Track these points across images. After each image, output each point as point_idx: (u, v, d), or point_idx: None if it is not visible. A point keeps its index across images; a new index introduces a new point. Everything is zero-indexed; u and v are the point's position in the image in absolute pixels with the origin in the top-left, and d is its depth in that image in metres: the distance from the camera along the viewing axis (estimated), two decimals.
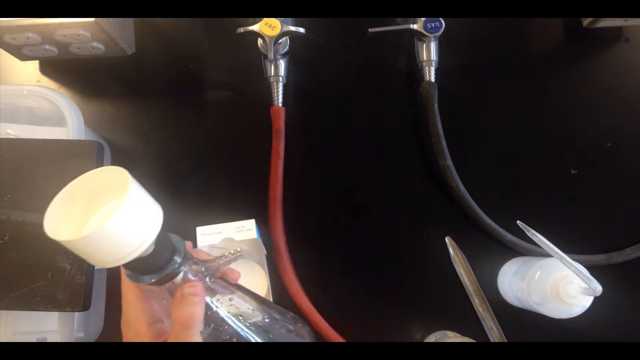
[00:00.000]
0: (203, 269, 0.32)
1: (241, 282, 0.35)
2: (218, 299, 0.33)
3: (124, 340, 0.32)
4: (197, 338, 0.30)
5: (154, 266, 0.29)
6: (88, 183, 0.28)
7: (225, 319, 0.33)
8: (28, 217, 0.42)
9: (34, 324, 0.51)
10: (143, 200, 0.27)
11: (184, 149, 0.58)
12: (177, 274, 0.30)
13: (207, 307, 0.32)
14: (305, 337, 0.37)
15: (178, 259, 0.30)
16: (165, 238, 0.30)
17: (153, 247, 0.28)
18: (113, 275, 0.55)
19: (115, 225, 0.25)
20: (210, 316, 0.32)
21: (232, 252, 0.34)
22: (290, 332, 0.36)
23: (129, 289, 0.32)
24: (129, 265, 0.29)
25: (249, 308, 0.34)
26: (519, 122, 0.58)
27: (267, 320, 0.35)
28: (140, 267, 0.29)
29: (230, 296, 0.34)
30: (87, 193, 0.28)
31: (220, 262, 0.33)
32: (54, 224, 0.27)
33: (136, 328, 0.31)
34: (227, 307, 0.33)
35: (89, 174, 0.28)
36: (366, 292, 0.55)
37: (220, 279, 0.34)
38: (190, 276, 0.31)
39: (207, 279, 0.32)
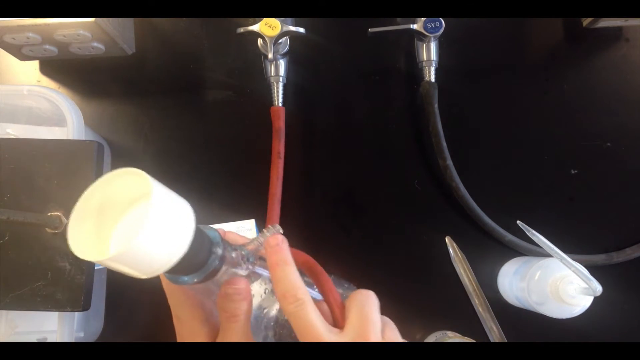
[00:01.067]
0: (244, 253, 0.30)
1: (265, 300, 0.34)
2: (265, 281, 0.31)
3: (179, 339, 0.31)
4: (246, 330, 0.29)
5: (195, 265, 0.27)
6: (105, 190, 0.25)
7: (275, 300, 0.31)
8: (28, 217, 0.42)
9: (34, 324, 0.51)
10: (170, 203, 0.24)
11: (184, 149, 0.58)
12: (219, 269, 0.28)
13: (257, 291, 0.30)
14: None
15: (219, 251, 0.28)
16: (200, 233, 0.28)
17: (189, 246, 0.26)
18: (113, 275, 0.56)
19: (145, 239, 0.22)
20: (263, 300, 0.31)
21: (266, 230, 0.31)
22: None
23: (173, 290, 0.31)
24: (168, 270, 0.26)
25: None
26: (519, 122, 0.58)
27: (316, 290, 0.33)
28: (180, 269, 0.27)
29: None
30: (106, 201, 0.25)
31: (259, 243, 0.31)
32: (79, 241, 0.24)
33: (191, 326, 0.30)
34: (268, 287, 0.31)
35: (104, 179, 0.25)
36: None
37: (261, 259, 0.32)
38: (231, 268, 0.29)
39: (250, 265, 0.30)
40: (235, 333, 0.29)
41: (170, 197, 0.25)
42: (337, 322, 0.30)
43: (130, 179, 0.25)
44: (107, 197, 0.25)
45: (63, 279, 0.44)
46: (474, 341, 0.49)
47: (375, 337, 0.29)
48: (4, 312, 0.51)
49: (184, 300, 0.30)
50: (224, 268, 0.29)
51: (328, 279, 0.33)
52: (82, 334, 0.49)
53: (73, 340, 0.46)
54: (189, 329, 0.30)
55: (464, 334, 0.50)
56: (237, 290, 0.29)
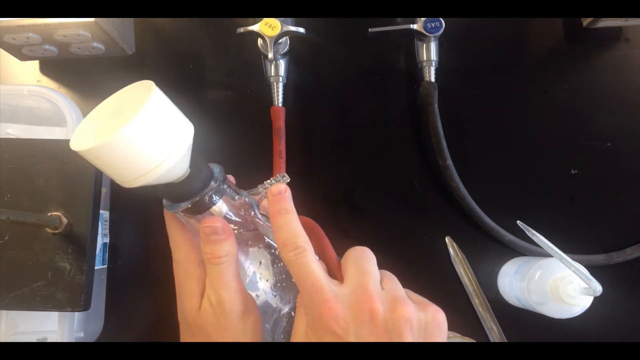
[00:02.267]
0: (245, 200, 0.30)
1: (260, 257, 0.34)
2: (262, 238, 0.30)
3: (176, 281, 0.30)
4: (231, 274, 0.29)
5: (188, 192, 0.27)
6: (117, 100, 0.26)
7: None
8: (28, 217, 0.42)
9: (34, 324, 0.51)
10: (168, 111, 0.25)
11: None
12: (213, 202, 0.28)
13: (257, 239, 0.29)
14: None
15: (214, 185, 0.28)
16: (201, 163, 0.28)
17: (188, 171, 0.26)
18: (113, 275, 0.56)
19: (133, 131, 0.23)
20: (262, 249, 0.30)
21: (275, 177, 0.31)
22: None
23: (174, 229, 0.31)
24: (163, 191, 0.27)
25: None
26: (519, 122, 0.58)
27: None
28: (173, 193, 0.27)
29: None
30: (115, 110, 0.26)
31: (264, 192, 0.31)
32: (79, 138, 0.25)
33: (186, 266, 0.30)
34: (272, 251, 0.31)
35: (119, 92, 0.26)
36: None
37: (267, 216, 0.32)
38: (231, 212, 0.29)
39: (252, 213, 0.30)
40: (218, 276, 0.28)
41: (171, 108, 0.25)
42: (335, 279, 0.30)
43: (140, 89, 0.25)
44: (118, 108, 0.26)
45: (63, 279, 0.44)
46: (474, 341, 0.49)
47: (373, 287, 0.28)
48: (4, 312, 0.51)
49: (181, 242, 0.30)
50: (222, 207, 0.28)
51: (326, 239, 0.33)
52: (82, 334, 0.49)
53: (73, 340, 0.46)
54: (182, 270, 0.30)
55: (464, 334, 0.50)
56: (213, 230, 0.28)
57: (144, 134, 0.23)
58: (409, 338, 0.27)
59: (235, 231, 0.30)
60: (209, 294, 0.29)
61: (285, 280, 0.32)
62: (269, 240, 0.32)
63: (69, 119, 0.49)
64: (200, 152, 0.26)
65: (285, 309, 0.32)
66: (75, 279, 0.44)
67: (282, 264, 0.31)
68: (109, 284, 0.55)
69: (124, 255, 0.56)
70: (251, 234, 0.31)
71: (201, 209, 0.28)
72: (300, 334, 0.28)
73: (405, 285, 0.55)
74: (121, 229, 0.56)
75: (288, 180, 0.31)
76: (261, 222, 0.31)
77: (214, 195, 0.28)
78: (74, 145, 0.24)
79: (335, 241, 0.56)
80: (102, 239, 0.53)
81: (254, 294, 0.31)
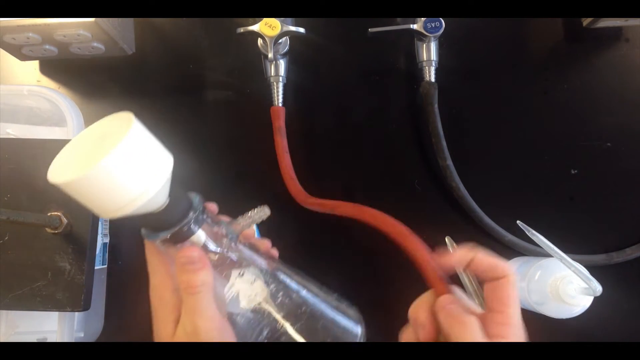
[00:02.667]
0: (225, 231, 0.30)
1: (241, 282, 0.34)
2: (244, 266, 0.31)
3: (152, 308, 0.31)
4: (206, 304, 0.29)
5: (166, 222, 0.28)
6: (96, 132, 0.26)
7: (251, 289, 0.31)
8: (28, 217, 0.42)
9: (34, 324, 0.51)
10: (147, 142, 0.25)
11: (184, 149, 0.58)
12: (192, 232, 0.28)
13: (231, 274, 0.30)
14: (353, 317, 0.34)
15: (192, 215, 0.28)
16: (180, 194, 0.28)
17: (167, 201, 0.26)
18: (113, 275, 0.56)
19: (113, 163, 0.23)
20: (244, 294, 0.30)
21: (256, 210, 0.32)
22: (335, 310, 0.33)
23: (152, 254, 0.31)
24: (142, 221, 0.27)
25: (285, 280, 0.32)
26: (519, 122, 0.58)
27: (304, 293, 0.32)
28: (152, 223, 0.28)
29: (258, 262, 0.31)
30: (94, 142, 0.26)
31: (244, 223, 0.31)
32: (58, 170, 0.25)
33: (160, 293, 0.30)
34: (254, 275, 0.31)
35: (97, 123, 0.26)
36: (366, 292, 0.55)
37: (248, 245, 0.32)
38: (209, 242, 0.29)
39: (232, 244, 0.30)
40: (194, 304, 0.29)
41: (151, 140, 0.26)
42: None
43: (120, 122, 0.26)
44: (98, 139, 0.26)
45: (63, 279, 0.44)
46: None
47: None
48: (4, 312, 0.51)
49: (157, 268, 0.31)
50: (200, 237, 0.28)
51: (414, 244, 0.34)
52: (82, 334, 0.49)
53: (73, 340, 0.46)
54: (158, 297, 0.30)
55: None
56: (190, 259, 0.29)
57: (123, 166, 0.24)
58: None
59: (214, 258, 0.30)
60: (184, 322, 0.29)
61: (266, 299, 0.32)
62: (249, 264, 0.32)
63: (69, 119, 0.49)
64: (179, 182, 0.27)
65: (266, 330, 0.31)
66: (75, 279, 0.44)
67: (261, 282, 0.31)
68: (109, 284, 0.55)
69: (124, 255, 0.56)
70: (230, 260, 0.31)
71: (179, 239, 0.28)
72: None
73: (405, 284, 0.55)
74: (121, 229, 0.56)
75: (268, 214, 0.31)
76: (240, 250, 0.31)
77: (192, 226, 0.28)
78: (52, 178, 0.24)
79: (335, 241, 0.56)
80: (102, 239, 0.53)
81: (235, 315, 0.31)
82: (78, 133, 0.48)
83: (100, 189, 0.24)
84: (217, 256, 0.30)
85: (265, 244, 0.34)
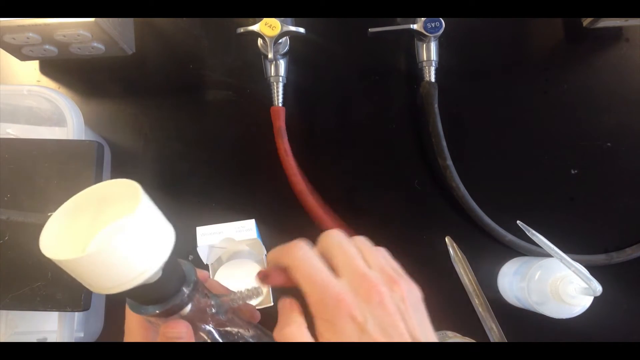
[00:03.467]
0: (212, 303, 0.29)
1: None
2: (226, 336, 0.30)
3: None
4: None
5: (159, 296, 0.26)
6: (94, 196, 0.24)
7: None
8: (28, 217, 0.42)
9: (34, 324, 0.51)
10: (154, 219, 0.23)
11: (184, 149, 0.58)
12: (182, 307, 0.27)
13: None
14: None
15: (186, 291, 0.27)
16: (176, 265, 0.26)
17: (160, 273, 0.24)
18: None
19: (116, 243, 0.21)
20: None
21: (249, 288, 0.30)
22: None
23: (131, 315, 0.29)
24: (131, 294, 0.25)
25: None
26: (519, 122, 0.58)
27: None
28: (143, 296, 0.26)
29: (239, 334, 0.30)
30: (92, 208, 0.24)
31: (234, 298, 0.30)
32: (52, 241, 0.23)
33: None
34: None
35: (96, 186, 0.24)
36: None
37: (235, 315, 0.31)
38: (195, 316, 0.28)
39: (219, 315, 0.29)
40: None
41: (157, 215, 0.24)
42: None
43: (123, 189, 0.24)
44: (96, 205, 0.24)
45: (63, 279, 0.44)
46: (474, 341, 0.49)
47: (366, 270, 0.28)
48: (4, 312, 0.51)
49: (135, 329, 0.29)
50: (188, 308, 0.27)
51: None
52: (82, 334, 0.49)
53: (73, 340, 0.46)
54: None
55: (464, 334, 0.50)
56: (178, 335, 0.27)
57: (129, 244, 0.22)
58: (411, 314, 0.28)
59: (195, 322, 0.29)
60: None
61: None
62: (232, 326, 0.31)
63: (69, 119, 0.49)
64: (173, 251, 0.25)
65: None
66: (75, 279, 0.44)
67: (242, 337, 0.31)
68: None
69: None
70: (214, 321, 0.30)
71: (169, 314, 0.27)
72: (296, 334, 0.27)
73: None
74: None
75: (262, 295, 0.30)
76: (222, 321, 0.30)
77: (184, 298, 0.27)
78: (47, 251, 0.22)
79: None
80: None
81: None
82: (78, 133, 0.48)
83: (99, 268, 0.22)
84: (201, 321, 0.29)
85: (255, 316, 0.33)
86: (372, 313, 0.27)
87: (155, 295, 0.26)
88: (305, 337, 0.27)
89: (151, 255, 0.23)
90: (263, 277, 0.30)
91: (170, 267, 0.25)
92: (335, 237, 0.30)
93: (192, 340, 0.28)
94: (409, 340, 0.27)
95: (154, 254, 0.23)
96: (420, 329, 0.28)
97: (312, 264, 0.29)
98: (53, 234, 0.23)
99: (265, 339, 0.31)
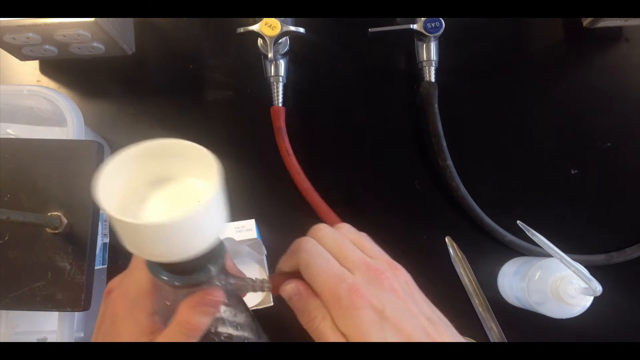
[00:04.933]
0: (228, 283, 0.29)
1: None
2: (225, 310, 0.30)
3: (109, 311, 0.29)
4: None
5: (185, 269, 0.26)
6: (156, 156, 0.24)
7: (224, 327, 0.30)
8: (28, 217, 0.42)
9: (34, 324, 0.51)
10: (222, 199, 0.24)
11: None
12: (203, 283, 0.27)
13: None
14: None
15: (213, 269, 0.26)
16: (218, 242, 0.26)
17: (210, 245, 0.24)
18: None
19: (198, 218, 0.22)
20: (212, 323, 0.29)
21: (260, 279, 0.30)
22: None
23: (144, 273, 0.28)
24: (166, 266, 0.25)
25: (243, 322, 0.31)
26: (519, 122, 0.58)
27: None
28: (174, 266, 0.25)
29: (235, 312, 0.30)
30: (156, 166, 0.24)
31: (246, 285, 0.30)
32: (109, 192, 0.22)
33: (135, 314, 0.28)
34: (228, 318, 0.30)
35: (155, 143, 0.24)
36: None
37: (238, 298, 0.31)
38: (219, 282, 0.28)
39: (227, 296, 0.29)
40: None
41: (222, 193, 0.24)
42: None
43: (195, 154, 0.24)
44: (161, 164, 0.25)
45: (63, 279, 0.44)
46: (474, 341, 0.49)
47: (368, 260, 0.30)
48: (4, 312, 0.51)
49: (145, 285, 0.28)
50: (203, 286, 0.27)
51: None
52: (82, 334, 0.49)
53: (73, 340, 0.46)
54: (133, 317, 0.28)
55: (464, 334, 0.50)
56: (213, 303, 0.27)
57: (206, 219, 0.22)
58: (417, 295, 0.30)
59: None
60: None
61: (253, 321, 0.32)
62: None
63: (69, 119, 0.49)
64: None
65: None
66: (75, 279, 0.44)
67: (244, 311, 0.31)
68: None
69: (124, 255, 0.56)
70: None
71: (190, 287, 0.27)
72: (328, 333, 0.28)
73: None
74: None
75: (269, 289, 0.31)
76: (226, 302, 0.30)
77: (208, 275, 0.27)
78: (111, 210, 0.21)
79: None
80: (102, 239, 0.53)
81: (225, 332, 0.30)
82: (78, 133, 0.48)
83: (166, 237, 0.22)
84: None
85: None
86: (386, 299, 0.28)
87: (186, 267, 0.26)
88: (334, 332, 0.28)
89: (215, 231, 0.24)
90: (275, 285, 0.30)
91: (217, 242, 0.25)
92: (326, 231, 0.31)
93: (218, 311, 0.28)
94: (423, 320, 0.28)
95: (218, 229, 0.24)
96: (428, 308, 0.30)
97: (322, 260, 0.29)
98: (110, 183, 0.22)
99: (254, 326, 0.31)
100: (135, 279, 0.29)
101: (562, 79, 0.59)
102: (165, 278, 0.26)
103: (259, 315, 0.32)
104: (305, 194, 0.55)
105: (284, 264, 0.31)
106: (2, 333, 0.51)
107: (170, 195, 0.25)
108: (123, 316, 0.28)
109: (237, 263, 0.54)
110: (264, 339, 0.32)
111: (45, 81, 0.60)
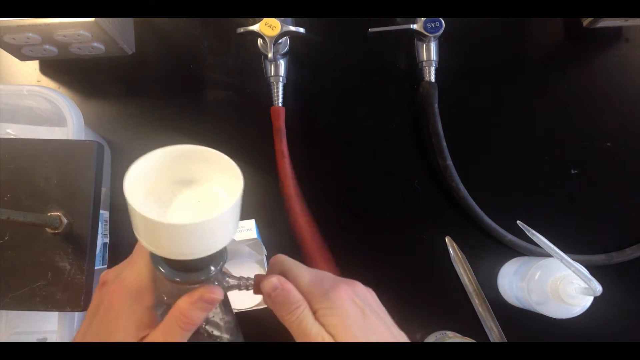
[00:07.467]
0: (225, 282, 0.30)
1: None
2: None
3: (105, 304, 0.29)
4: (185, 340, 0.28)
5: (190, 267, 0.27)
6: (191, 156, 0.26)
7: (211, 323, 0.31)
8: (28, 217, 0.42)
9: (34, 324, 0.51)
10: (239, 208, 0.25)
11: None
12: (203, 282, 0.28)
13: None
14: None
15: (213, 269, 0.27)
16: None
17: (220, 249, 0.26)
18: None
19: (218, 221, 0.23)
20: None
21: (251, 278, 0.32)
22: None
23: (145, 268, 0.29)
24: (172, 260, 0.26)
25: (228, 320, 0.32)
26: (519, 122, 0.58)
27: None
28: (178, 263, 0.26)
29: (220, 316, 0.31)
30: (182, 168, 0.26)
31: (241, 284, 0.31)
32: (134, 191, 0.23)
33: (134, 308, 0.28)
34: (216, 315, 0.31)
35: (182, 149, 0.25)
36: None
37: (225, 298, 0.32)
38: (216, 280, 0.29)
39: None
40: (180, 339, 0.28)
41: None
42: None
43: (218, 161, 0.26)
44: (187, 168, 0.26)
45: (63, 279, 0.44)
46: (474, 341, 0.49)
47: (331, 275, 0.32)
48: (4, 312, 0.51)
49: (146, 278, 0.29)
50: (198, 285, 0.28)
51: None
52: None
53: (73, 340, 0.46)
54: (129, 310, 0.28)
55: (464, 334, 0.50)
56: (212, 300, 0.28)
57: (231, 218, 0.24)
58: (379, 305, 0.33)
59: None
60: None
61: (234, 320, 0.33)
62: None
63: (69, 119, 0.49)
64: None
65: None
66: (75, 279, 0.44)
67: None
68: None
69: (124, 255, 0.56)
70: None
71: (190, 284, 0.28)
72: (310, 324, 0.29)
73: (405, 284, 0.55)
74: (121, 229, 0.56)
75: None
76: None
77: (207, 276, 0.28)
78: (137, 206, 0.22)
79: (335, 240, 0.56)
80: (102, 239, 0.53)
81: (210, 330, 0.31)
82: (78, 133, 0.48)
83: (186, 236, 0.23)
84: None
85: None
86: (364, 301, 0.31)
87: (191, 266, 0.27)
88: (315, 324, 0.29)
89: (229, 236, 0.25)
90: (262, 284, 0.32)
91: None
92: (285, 260, 0.33)
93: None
94: (392, 326, 0.31)
95: (231, 234, 0.25)
96: (388, 317, 0.32)
97: (302, 265, 0.32)
98: (138, 181, 0.24)
99: (236, 330, 0.32)
100: (136, 273, 0.29)
101: (562, 79, 0.59)
102: (169, 274, 0.27)
103: (256, 316, 0.33)
104: (287, 200, 0.54)
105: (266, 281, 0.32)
106: (2, 333, 0.51)
107: (192, 197, 0.26)
108: (121, 309, 0.28)
109: (237, 263, 0.54)
110: (240, 338, 0.33)
111: (45, 81, 0.60)
